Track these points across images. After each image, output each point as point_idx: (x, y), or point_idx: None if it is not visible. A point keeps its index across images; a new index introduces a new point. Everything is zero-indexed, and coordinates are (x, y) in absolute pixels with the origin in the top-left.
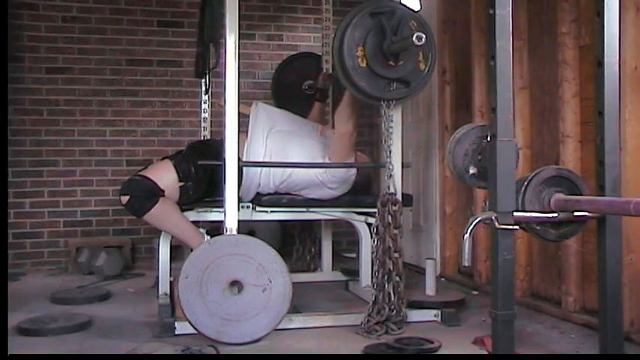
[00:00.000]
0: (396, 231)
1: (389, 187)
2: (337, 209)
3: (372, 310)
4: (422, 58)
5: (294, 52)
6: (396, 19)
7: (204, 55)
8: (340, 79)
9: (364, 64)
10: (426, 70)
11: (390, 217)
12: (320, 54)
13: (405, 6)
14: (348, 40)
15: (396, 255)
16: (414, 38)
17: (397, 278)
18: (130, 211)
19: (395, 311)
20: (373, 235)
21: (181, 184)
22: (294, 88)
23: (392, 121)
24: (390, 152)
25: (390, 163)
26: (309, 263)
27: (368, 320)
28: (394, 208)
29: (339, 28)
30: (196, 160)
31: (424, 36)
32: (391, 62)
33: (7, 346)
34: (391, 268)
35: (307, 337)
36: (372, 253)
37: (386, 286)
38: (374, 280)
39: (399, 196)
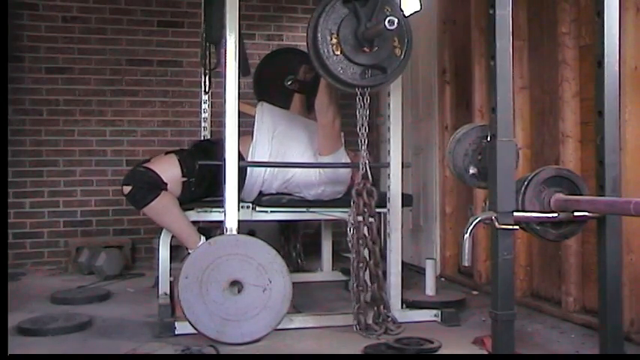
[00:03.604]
0: (371, 219)
1: (362, 177)
2: (337, 209)
3: (353, 299)
4: (397, 43)
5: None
6: (370, 4)
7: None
8: (316, 68)
9: (339, 52)
10: (402, 56)
11: (364, 206)
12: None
13: None
14: (322, 28)
15: (372, 243)
16: (385, 22)
17: (374, 267)
18: (130, 201)
19: (375, 300)
20: (349, 224)
21: (184, 179)
22: (276, 82)
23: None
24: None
25: (363, 134)
26: (295, 261)
27: (353, 309)
28: (369, 197)
29: (312, 16)
30: (201, 158)
31: (396, 20)
32: (366, 49)
33: (7, 346)
34: (367, 257)
35: (307, 337)
36: (349, 241)
37: (361, 274)
38: (350, 268)
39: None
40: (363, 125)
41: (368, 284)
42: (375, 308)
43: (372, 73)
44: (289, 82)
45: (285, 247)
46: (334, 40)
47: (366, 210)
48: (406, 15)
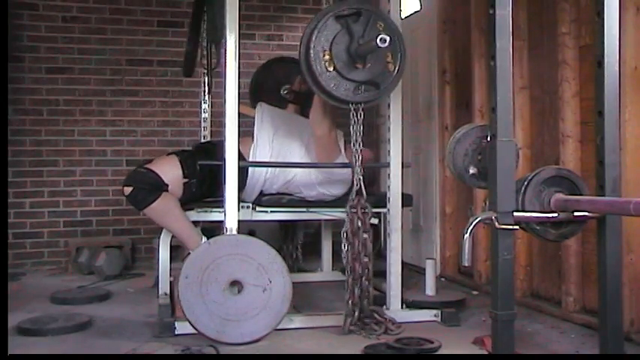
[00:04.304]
0: (365, 235)
1: (356, 193)
2: (337, 209)
3: (346, 312)
4: (391, 59)
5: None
6: (363, 20)
7: (193, 55)
8: (309, 84)
9: (331, 68)
10: (396, 71)
11: (359, 221)
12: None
13: (371, 8)
14: (315, 45)
15: (366, 259)
16: (377, 40)
17: (366, 282)
18: (131, 202)
19: (367, 317)
20: (343, 240)
21: (185, 180)
22: (272, 91)
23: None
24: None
25: (357, 150)
26: (293, 264)
27: (344, 322)
28: (363, 212)
29: (305, 32)
30: (202, 159)
31: (388, 38)
32: (359, 65)
33: (7, 346)
34: (360, 273)
35: (307, 337)
36: (343, 258)
37: (355, 290)
38: (345, 284)
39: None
40: (357, 141)
41: (362, 301)
42: (370, 320)
43: (365, 88)
44: (285, 92)
45: (283, 248)
46: (327, 57)
47: (360, 226)
48: (403, 18)
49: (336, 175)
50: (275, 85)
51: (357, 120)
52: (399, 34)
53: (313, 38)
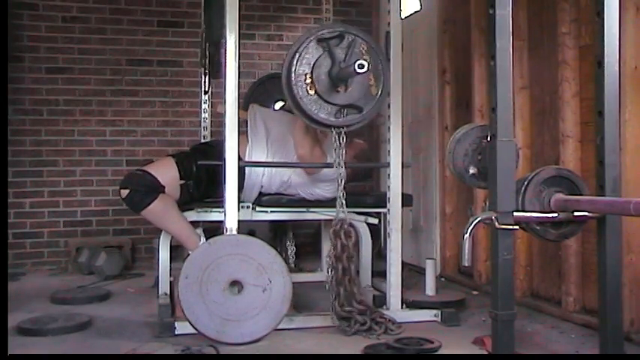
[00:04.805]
0: (349, 260)
1: (339, 213)
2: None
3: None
4: (373, 82)
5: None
6: (344, 44)
7: (218, 55)
8: (291, 107)
9: (313, 92)
10: (378, 94)
11: (342, 246)
12: None
13: (355, 30)
14: (296, 69)
15: (351, 284)
16: (355, 66)
17: (357, 304)
18: (128, 205)
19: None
20: (327, 264)
21: (182, 182)
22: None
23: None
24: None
25: (340, 173)
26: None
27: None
28: (346, 238)
29: (287, 55)
30: (199, 160)
31: (366, 63)
32: (340, 88)
33: (7, 346)
34: (346, 297)
35: (307, 337)
36: (326, 284)
37: (346, 306)
38: (332, 309)
39: (351, 225)
40: (339, 165)
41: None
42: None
43: (347, 112)
44: (279, 109)
45: (277, 248)
46: (308, 80)
47: (344, 251)
48: (403, 18)
49: (330, 176)
50: (268, 101)
51: (340, 144)
52: (383, 56)
53: (295, 62)
